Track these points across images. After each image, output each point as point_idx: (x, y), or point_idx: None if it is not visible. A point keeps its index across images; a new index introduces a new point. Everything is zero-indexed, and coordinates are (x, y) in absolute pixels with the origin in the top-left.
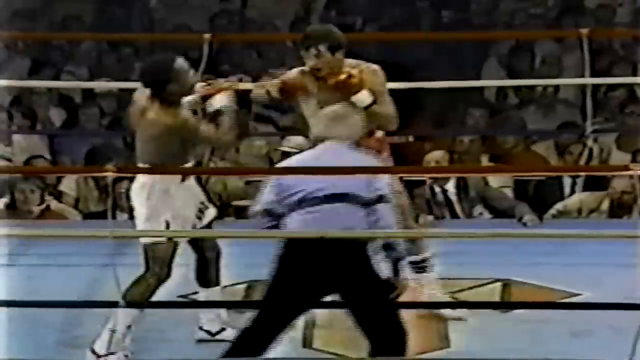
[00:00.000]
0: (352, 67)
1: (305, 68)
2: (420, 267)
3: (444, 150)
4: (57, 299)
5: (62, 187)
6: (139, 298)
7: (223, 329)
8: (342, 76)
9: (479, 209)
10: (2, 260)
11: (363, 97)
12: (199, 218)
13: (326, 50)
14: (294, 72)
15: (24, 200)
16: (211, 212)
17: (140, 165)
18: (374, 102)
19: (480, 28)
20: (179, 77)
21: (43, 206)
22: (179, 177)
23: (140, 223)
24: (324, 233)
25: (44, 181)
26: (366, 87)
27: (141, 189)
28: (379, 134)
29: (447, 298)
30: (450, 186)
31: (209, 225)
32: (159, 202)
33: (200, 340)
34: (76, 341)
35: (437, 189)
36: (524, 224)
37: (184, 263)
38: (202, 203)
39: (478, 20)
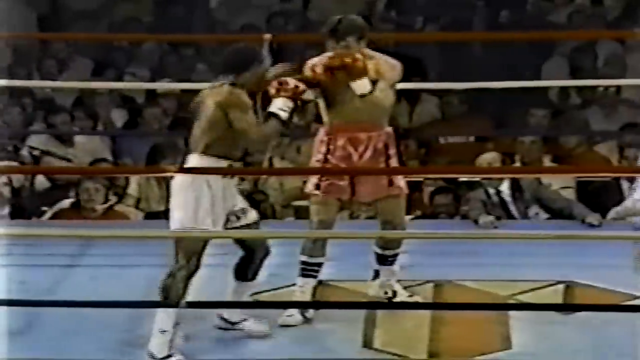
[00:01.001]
0: (369, 57)
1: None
2: (391, 261)
3: (497, 152)
4: (120, 299)
5: (130, 189)
6: (174, 293)
7: (244, 319)
8: (348, 59)
9: (534, 209)
10: (66, 260)
11: (362, 85)
12: (238, 217)
13: (354, 41)
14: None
15: (88, 199)
16: (252, 215)
17: (196, 155)
18: (371, 92)
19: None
20: (257, 68)
21: (106, 205)
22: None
23: (177, 213)
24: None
25: (110, 180)
26: (374, 76)
27: (182, 180)
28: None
29: (405, 293)
30: (505, 187)
31: (249, 226)
32: (200, 194)
33: (222, 330)
34: (139, 340)
35: (491, 191)
36: (590, 225)
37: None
38: (240, 204)
39: (533, 21)
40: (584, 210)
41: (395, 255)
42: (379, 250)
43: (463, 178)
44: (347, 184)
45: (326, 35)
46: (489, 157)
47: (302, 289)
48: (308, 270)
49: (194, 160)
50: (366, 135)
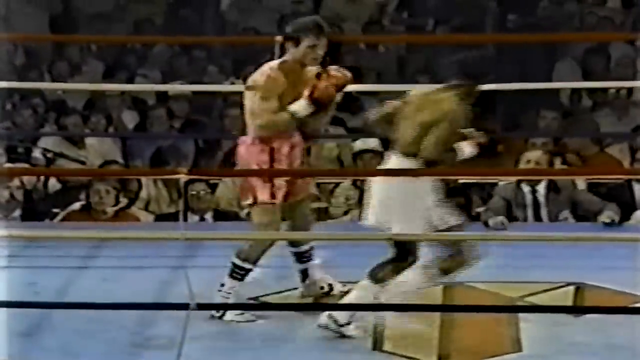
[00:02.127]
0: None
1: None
2: (309, 255)
3: (543, 151)
4: (130, 300)
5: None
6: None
7: (349, 323)
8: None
9: (565, 213)
10: (77, 262)
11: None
12: None
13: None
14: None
15: (99, 200)
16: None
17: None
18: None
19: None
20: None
21: (117, 207)
22: None
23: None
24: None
25: (121, 183)
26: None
27: None
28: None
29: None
30: (541, 187)
31: None
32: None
33: None
34: (148, 342)
35: (527, 189)
36: (604, 224)
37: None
38: None
39: (546, 22)
40: (613, 212)
41: (311, 248)
42: (294, 249)
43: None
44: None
45: (304, 33)
46: (536, 156)
47: (230, 292)
48: (239, 273)
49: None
50: (299, 139)
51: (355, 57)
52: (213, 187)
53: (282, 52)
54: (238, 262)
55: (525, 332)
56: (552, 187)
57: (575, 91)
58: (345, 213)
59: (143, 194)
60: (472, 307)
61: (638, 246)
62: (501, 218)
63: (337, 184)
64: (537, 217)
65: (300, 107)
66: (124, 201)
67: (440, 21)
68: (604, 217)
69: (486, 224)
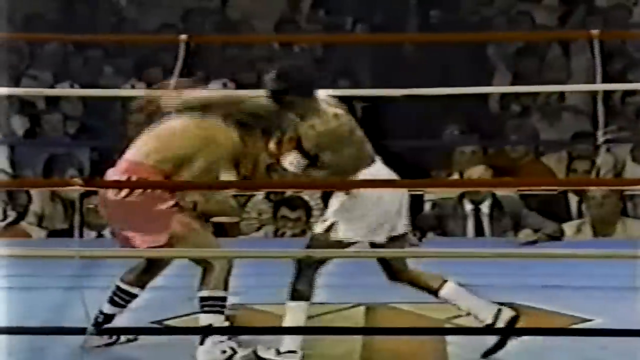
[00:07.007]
0: None
1: None
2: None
3: (485, 165)
4: (19, 324)
5: (33, 206)
6: None
7: None
8: None
9: (510, 233)
10: None
11: None
12: None
13: None
14: None
15: None
16: None
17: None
18: None
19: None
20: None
21: (4, 222)
22: None
23: None
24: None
25: (9, 195)
26: None
27: None
28: None
29: None
30: (485, 206)
31: None
32: None
33: None
34: None
35: (468, 207)
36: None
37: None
38: None
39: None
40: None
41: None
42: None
43: None
44: None
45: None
46: (478, 171)
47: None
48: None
49: None
50: None
51: (268, 58)
52: None
53: (187, 52)
54: (209, 293)
55: (453, 357)
56: (495, 203)
57: (504, 96)
58: (259, 229)
59: (35, 207)
60: (396, 329)
61: (576, 264)
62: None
63: (249, 198)
64: (480, 233)
65: None
66: (12, 215)
67: (359, 19)
68: (523, 236)
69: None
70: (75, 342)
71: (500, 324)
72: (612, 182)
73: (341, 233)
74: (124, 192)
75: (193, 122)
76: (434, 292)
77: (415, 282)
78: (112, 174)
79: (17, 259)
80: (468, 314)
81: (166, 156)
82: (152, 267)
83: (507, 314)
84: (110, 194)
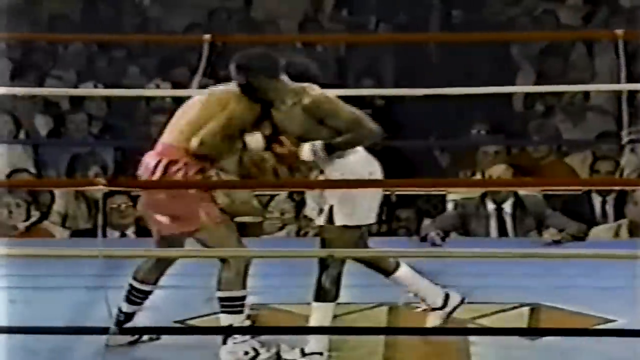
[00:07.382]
0: None
1: None
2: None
3: (506, 165)
4: (42, 324)
5: (55, 205)
6: None
7: None
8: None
9: (533, 233)
10: None
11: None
12: None
13: None
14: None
15: (9, 215)
16: None
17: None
18: None
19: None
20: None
21: (28, 222)
22: None
23: None
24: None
25: (32, 195)
26: None
27: None
28: None
29: None
30: (507, 205)
31: None
32: None
33: None
34: None
35: (490, 206)
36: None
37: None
38: None
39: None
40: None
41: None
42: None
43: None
44: None
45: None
46: (499, 170)
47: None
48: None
49: None
50: None
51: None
52: (135, 200)
53: (211, 52)
54: (227, 294)
55: (477, 357)
56: (519, 203)
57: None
58: (281, 228)
59: (58, 207)
60: (419, 329)
61: (599, 264)
62: (433, 233)
63: (272, 197)
64: (503, 233)
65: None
66: (35, 215)
67: (382, 19)
68: (548, 236)
69: (423, 239)
70: (99, 342)
71: (448, 308)
72: (636, 182)
73: (340, 216)
74: (159, 173)
75: (214, 95)
76: (389, 274)
77: (374, 263)
78: (148, 157)
79: (41, 259)
80: (416, 295)
81: (192, 131)
82: (160, 262)
83: (455, 299)
84: (147, 177)
